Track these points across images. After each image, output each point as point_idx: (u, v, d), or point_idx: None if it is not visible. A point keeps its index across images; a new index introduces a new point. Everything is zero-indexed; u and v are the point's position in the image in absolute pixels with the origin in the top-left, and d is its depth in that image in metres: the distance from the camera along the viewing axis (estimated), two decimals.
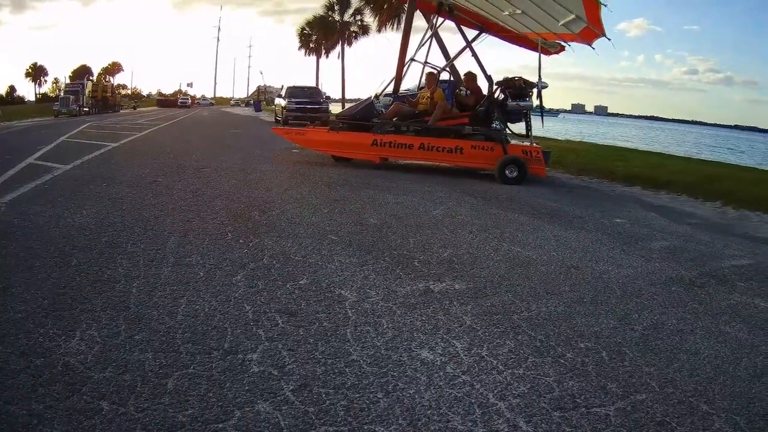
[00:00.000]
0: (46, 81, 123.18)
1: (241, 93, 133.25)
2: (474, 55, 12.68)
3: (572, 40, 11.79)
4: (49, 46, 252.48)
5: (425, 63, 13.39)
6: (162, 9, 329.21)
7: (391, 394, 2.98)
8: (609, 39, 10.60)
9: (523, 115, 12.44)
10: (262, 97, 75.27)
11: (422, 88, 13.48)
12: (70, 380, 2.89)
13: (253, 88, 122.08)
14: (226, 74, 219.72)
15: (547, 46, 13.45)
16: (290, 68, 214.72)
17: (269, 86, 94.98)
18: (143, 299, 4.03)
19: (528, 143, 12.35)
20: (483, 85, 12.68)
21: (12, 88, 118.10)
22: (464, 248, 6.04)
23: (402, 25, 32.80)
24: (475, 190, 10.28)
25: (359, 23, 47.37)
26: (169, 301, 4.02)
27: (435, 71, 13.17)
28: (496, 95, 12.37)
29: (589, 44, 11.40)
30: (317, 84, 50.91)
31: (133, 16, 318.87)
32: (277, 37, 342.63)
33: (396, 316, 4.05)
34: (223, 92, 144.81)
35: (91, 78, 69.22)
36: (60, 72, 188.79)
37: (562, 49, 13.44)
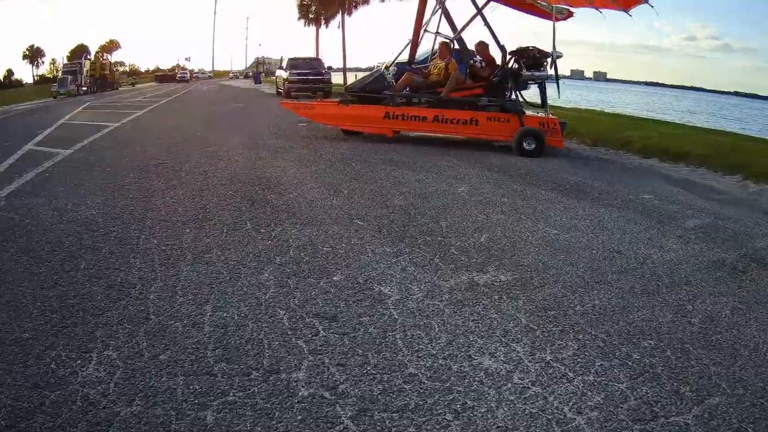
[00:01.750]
0: (43, 62, 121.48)
1: (239, 65, 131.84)
2: (486, 23, 12.13)
3: (606, 7, 10.99)
4: (46, 26, 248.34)
5: (437, 33, 12.82)
6: None
7: (462, 415, 2.63)
8: (652, 6, 10.30)
9: (538, 85, 11.90)
10: (261, 69, 74.25)
11: (433, 57, 12.91)
12: (93, 419, 2.49)
13: (251, 61, 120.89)
14: (224, 47, 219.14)
15: (554, 12, 12.48)
16: (289, 40, 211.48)
17: (268, 58, 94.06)
18: (163, 307, 3.64)
19: (543, 114, 11.83)
20: (495, 54, 12.21)
21: (10, 72, 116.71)
22: (499, 231, 5.65)
23: None
24: (494, 163, 9.83)
25: None
26: (193, 309, 3.64)
27: (448, 41, 12.62)
28: (509, 65, 11.83)
29: (626, 11, 10.74)
30: (317, 55, 50.09)
31: None
32: (274, 8, 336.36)
33: (445, 316, 3.68)
34: (222, 65, 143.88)
35: (89, 57, 68.21)
36: (57, 53, 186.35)
37: (570, 15, 12.77)
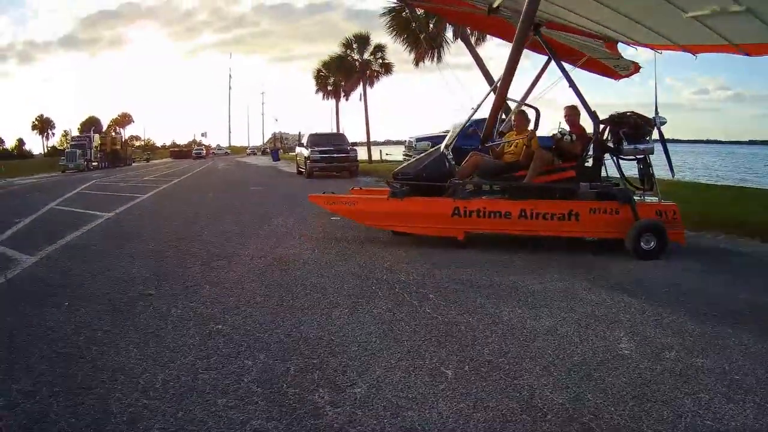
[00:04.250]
0: (53, 134, 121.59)
1: (256, 140, 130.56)
2: (572, 85, 9.13)
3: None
4: (57, 98, 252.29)
5: (522, 102, 9.94)
6: (170, 59, 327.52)
7: None
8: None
9: (639, 160, 8.99)
10: (278, 145, 72.40)
11: (505, 132, 10.08)
12: None
13: (268, 135, 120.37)
14: (240, 122, 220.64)
15: (619, 68, 10.72)
16: (304, 113, 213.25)
17: (285, 133, 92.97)
18: None
19: (655, 199, 8.96)
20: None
21: (21, 142, 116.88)
22: None
23: (442, 58, 29.95)
24: (615, 276, 7.04)
25: (381, 61, 44.01)
26: None
27: (531, 109, 9.75)
28: (605, 137, 9.05)
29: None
30: (338, 129, 47.99)
31: (141, 67, 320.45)
32: (288, 82, 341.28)
33: None
34: (239, 141, 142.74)
35: (99, 131, 66.67)
36: (68, 124, 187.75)
37: (636, 70, 10.62)
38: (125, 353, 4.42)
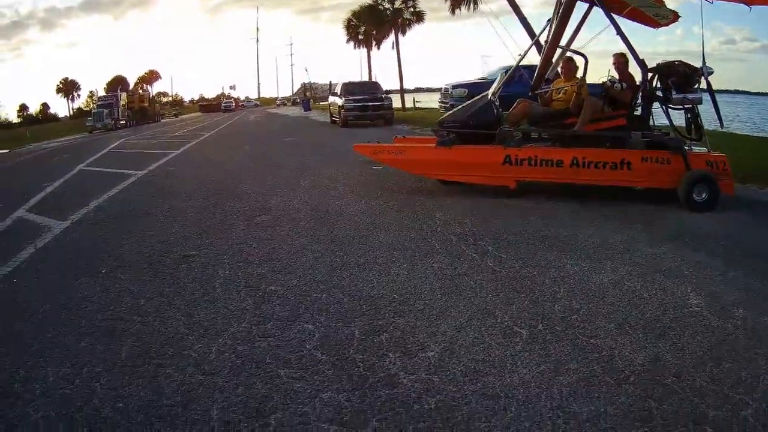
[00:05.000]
0: (79, 95, 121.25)
1: (285, 92, 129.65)
2: (620, 32, 8.73)
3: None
4: (82, 62, 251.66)
5: (567, 48, 9.56)
6: (195, 16, 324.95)
7: None
8: None
9: (687, 110, 8.63)
10: (308, 95, 71.85)
11: (552, 79, 9.72)
12: None
13: (297, 86, 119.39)
14: (269, 75, 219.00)
15: (658, 17, 10.15)
16: (333, 64, 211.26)
17: (314, 83, 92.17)
18: None
19: (704, 150, 8.59)
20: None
21: (45, 106, 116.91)
22: None
23: (477, 2, 29.17)
24: (668, 228, 6.80)
25: (412, 9, 43.16)
26: None
27: (574, 56, 9.38)
28: (654, 85, 8.67)
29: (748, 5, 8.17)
30: (370, 77, 47.42)
31: (167, 26, 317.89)
32: (316, 34, 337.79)
33: None
34: (268, 92, 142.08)
35: (126, 89, 66.43)
36: (94, 86, 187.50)
37: (675, 19, 10.16)
38: (172, 323, 4.12)
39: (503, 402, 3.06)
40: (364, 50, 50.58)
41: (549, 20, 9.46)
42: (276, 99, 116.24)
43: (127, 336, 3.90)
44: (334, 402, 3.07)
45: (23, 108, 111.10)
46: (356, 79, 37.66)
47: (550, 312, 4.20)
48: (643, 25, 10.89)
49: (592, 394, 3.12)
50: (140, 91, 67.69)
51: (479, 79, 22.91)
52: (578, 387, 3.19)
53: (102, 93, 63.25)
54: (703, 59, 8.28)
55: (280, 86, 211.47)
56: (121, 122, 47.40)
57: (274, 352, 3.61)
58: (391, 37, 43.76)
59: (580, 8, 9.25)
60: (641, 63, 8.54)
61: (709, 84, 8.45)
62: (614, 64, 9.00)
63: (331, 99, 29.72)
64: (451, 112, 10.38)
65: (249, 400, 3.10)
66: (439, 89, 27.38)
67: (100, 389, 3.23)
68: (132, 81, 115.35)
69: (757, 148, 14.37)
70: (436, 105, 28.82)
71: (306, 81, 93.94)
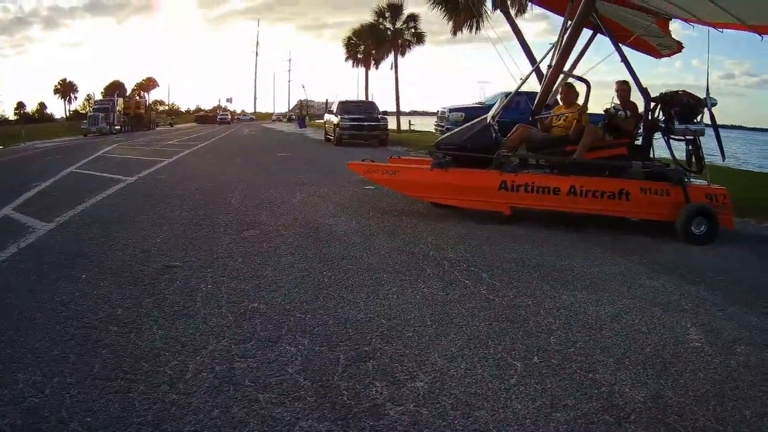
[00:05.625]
0: (76, 98, 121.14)
1: (281, 108, 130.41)
2: (624, 59, 8.71)
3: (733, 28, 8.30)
4: (82, 63, 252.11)
5: (570, 74, 9.46)
6: (198, 25, 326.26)
7: None
8: None
9: (689, 141, 8.58)
10: (304, 112, 71.95)
11: (551, 105, 9.63)
12: None
13: (293, 103, 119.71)
14: (266, 89, 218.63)
15: (661, 47, 10.44)
16: (331, 82, 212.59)
17: (311, 101, 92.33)
18: None
19: (704, 182, 8.60)
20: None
21: (42, 105, 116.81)
22: None
23: (480, 26, 29.19)
24: (666, 260, 6.68)
25: (413, 31, 43.24)
26: None
27: (579, 82, 9.29)
28: (656, 115, 8.65)
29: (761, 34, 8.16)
30: (367, 97, 47.55)
31: (169, 33, 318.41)
32: (316, 51, 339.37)
33: None
34: (264, 107, 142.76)
35: (123, 95, 66.47)
36: (92, 89, 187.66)
37: (679, 49, 10.32)
38: (149, 336, 3.93)
39: None
40: (362, 69, 50.98)
41: (553, 45, 9.40)
42: (272, 114, 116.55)
43: (101, 346, 3.73)
44: (314, 431, 2.87)
45: (20, 106, 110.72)
46: (353, 98, 37.69)
47: (546, 344, 4.02)
48: (645, 55, 10.90)
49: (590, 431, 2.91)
50: (137, 98, 67.76)
51: (476, 103, 22.95)
52: (576, 425, 3.01)
53: (99, 97, 63.01)
54: (707, 90, 8.23)
55: (277, 102, 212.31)
56: (116, 127, 47.24)
57: (253, 375, 3.42)
58: (390, 58, 43.91)
59: (584, 34, 9.19)
60: (644, 91, 8.53)
61: (712, 115, 8.41)
62: (617, 91, 8.93)
63: (327, 117, 29.73)
64: (448, 134, 10.27)
65: (224, 424, 2.91)
66: (435, 113, 27.49)
67: (70, 401, 3.06)
68: (129, 87, 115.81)
69: (751, 182, 14.34)
70: (431, 128, 28.80)
71: (303, 98, 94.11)
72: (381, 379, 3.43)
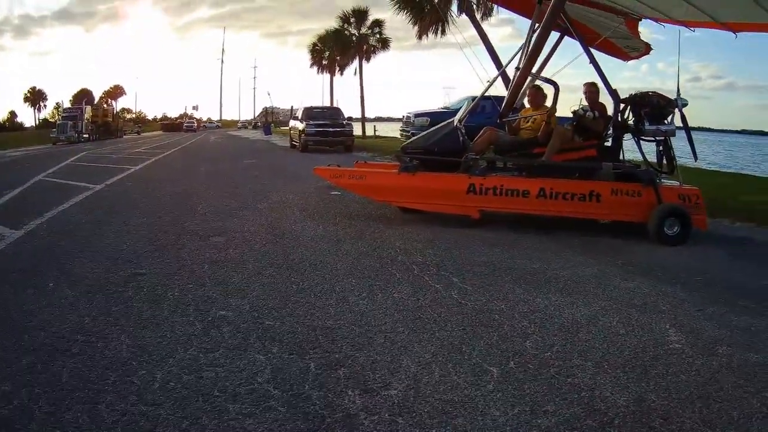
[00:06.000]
0: (45, 106, 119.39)
1: (247, 115, 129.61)
2: (593, 61, 8.69)
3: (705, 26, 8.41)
4: (51, 72, 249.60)
5: (538, 76, 9.37)
6: (164, 33, 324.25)
7: None
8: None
9: (662, 142, 8.52)
10: (269, 119, 71.54)
11: (520, 108, 9.64)
12: None
13: (259, 110, 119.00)
14: (232, 97, 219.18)
15: (629, 49, 10.52)
16: (296, 89, 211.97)
17: (276, 108, 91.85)
18: None
19: (676, 183, 8.54)
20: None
21: (12, 114, 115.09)
22: None
23: (446, 30, 29.22)
24: (639, 261, 6.61)
25: (378, 36, 43.44)
26: None
27: (548, 85, 9.21)
28: (626, 116, 8.63)
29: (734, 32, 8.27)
30: (332, 103, 47.37)
31: (136, 42, 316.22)
32: (281, 58, 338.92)
33: None
34: (230, 115, 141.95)
35: (90, 103, 65.63)
36: (61, 97, 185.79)
37: (647, 51, 10.40)
38: (116, 345, 3.81)
39: None
40: (327, 76, 50.99)
41: (521, 47, 9.33)
42: (237, 121, 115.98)
43: (68, 356, 3.62)
44: None
45: None
46: (318, 104, 37.47)
47: (522, 349, 3.90)
48: (610, 58, 10.90)
49: None
50: (104, 106, 67.34)
51: (442, 108, 22.91)
52: (558, 431, 2.90)
53: (68, 105, 62.24)
54: (678, 91, 8.19)
55: (242, 109, 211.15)
56: (85, 135, 46.63)
57: (222, 384, 3.29)
58: (355, 63, 43.91)
59: (551, 36, 9.12)
60: (614, 93, 8.49)
61: (683, 116, 8.38)
62: (585, 93, 8.87)
63: (292, 123, 29.36)
64: (415, 138, 10.16)
65: None
66: (400, 119, 27.41)
67: (38, 412, 2.95)
68: (97, 94, 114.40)
69: (724, 183, 14.46)
70: (396, 134, 28.74)
71: (268, 105, 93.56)
72: (353, 387, 3.29)
